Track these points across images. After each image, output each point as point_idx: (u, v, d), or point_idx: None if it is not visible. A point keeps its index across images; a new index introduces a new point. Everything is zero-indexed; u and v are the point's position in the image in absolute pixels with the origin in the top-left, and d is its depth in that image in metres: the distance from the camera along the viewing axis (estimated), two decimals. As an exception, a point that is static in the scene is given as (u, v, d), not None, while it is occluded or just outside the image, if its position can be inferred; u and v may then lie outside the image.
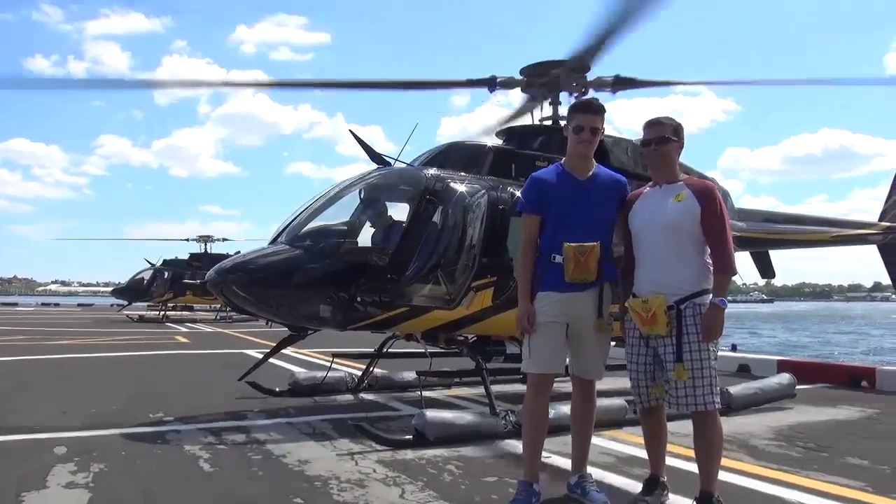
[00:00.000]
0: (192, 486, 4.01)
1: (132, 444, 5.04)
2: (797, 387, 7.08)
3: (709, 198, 3.44)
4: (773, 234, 9.93)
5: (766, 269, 11.24)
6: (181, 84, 13.42)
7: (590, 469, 3.85)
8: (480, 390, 6.49)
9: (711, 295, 3.39)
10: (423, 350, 6.78)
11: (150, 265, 28.67)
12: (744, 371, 9.81)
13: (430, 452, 4.79)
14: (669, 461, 3.91)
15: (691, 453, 3.64)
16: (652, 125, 3.58)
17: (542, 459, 3.86)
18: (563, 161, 3.81)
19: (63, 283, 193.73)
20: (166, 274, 27.90)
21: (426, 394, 7.35)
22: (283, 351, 8.13)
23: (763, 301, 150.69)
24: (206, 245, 30.15)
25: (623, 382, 5.15)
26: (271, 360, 7.84)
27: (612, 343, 3.87)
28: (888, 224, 11.78)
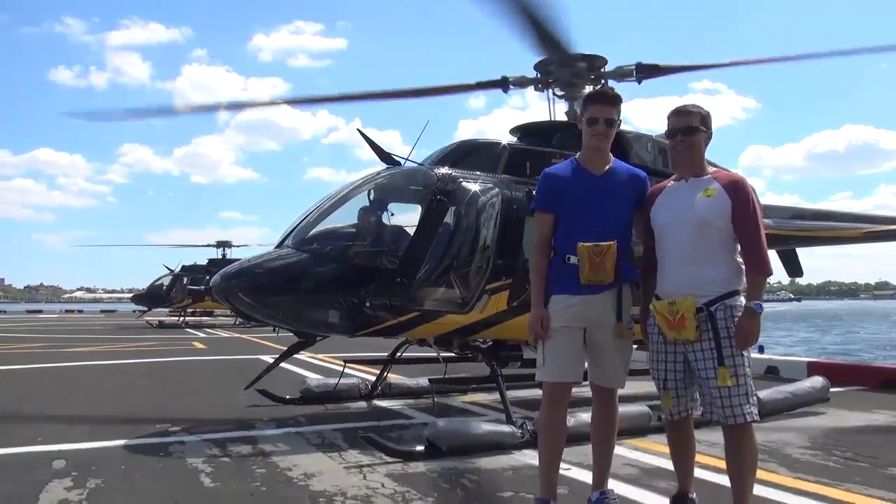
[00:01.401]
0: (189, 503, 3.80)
1: (134, 456, 4.86)
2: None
3: (741, 192, 3.16)
4: (801, 231, 9.54)
5: (793, 267, 10.82)
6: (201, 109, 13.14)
7: (612, 483, 3.58)
8: (497, 395, 6.24)
9: (743, 297, 3.12)
10: (437, 355, 6.54)
11: (169, 271, 28.76)
12: (772, 373, 9.46)
13: (442, 465, 4.55)
14: (697, 472, 3.63)
15: (721, 464, 3.38)
16: (678, 114, 3.30)
17: (561, 472, 3.60)
18: (577, 156, 3.56)
19: (88, 290, 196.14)
20: (185, 280, 27.98)
21: (441, 400, 7.12)
22: (298, 356, 7.97)
23: (791, 300, 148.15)
24: (224, 250, 30.14)
25: (645, 387, 4.89)
26: (285, 365, 7.66)
27: (634, 346, 3.60)
28: (922, 219, 11.31)
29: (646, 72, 7.03)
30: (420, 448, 4.80)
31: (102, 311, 55.46)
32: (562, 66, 6.87)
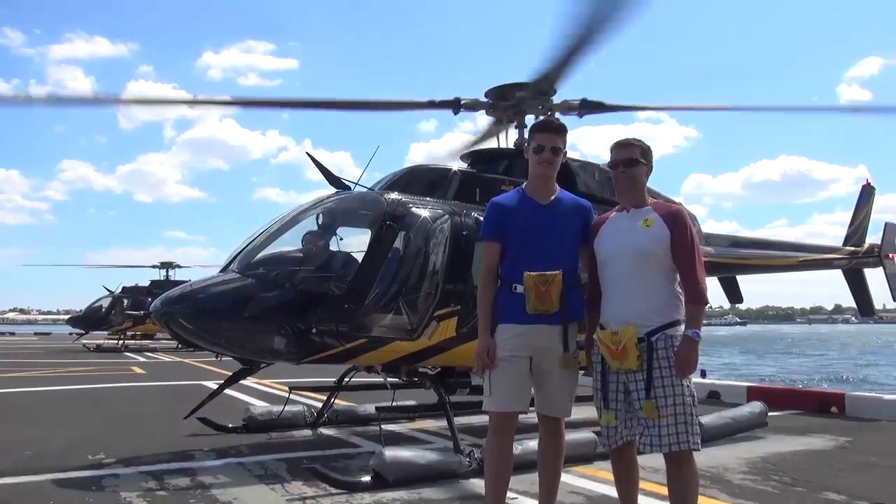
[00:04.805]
0: (123, 541, 3.64)
1: (63, 491, 4.63)
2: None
3: (679, 223, 3.25)
4: (740, 259, 9.86)
5: (733, 294, 11.18)
6: (148, 102, 12.85)
7: (558, 512, 3.59)
8: (445, 422, 6.20)
9: (683, 326, 3.19)
10: (385, 382, 6.46)
11: (108, 293, 27.78)
12: (714, 397, 9.69)
13: (388, 495, 4.48)
14: (641, 499, 3.66)
15: (664, 490, 3.40)
16: (620, 147, 3.40)
17: (508, 501, 3.60)
18: (524, 185, 3.60)
19: (22, 311, 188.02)
20: (126, 302, 27.07)
21: (388, 427, 7.02)
22: (242, 382, 7.75)
23: (737, 325, 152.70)
24: (167, 272, 29.32)
25: (591, 413, 4.92)
26: (228, 391, 7.45)
27: (581, 372, 3.63)
28: (852, 248, 11.86)
29: (589, 108, 7.19)
30: (366, 479, 4.71)
31: (36, 334, 53.06)
32: (512, 94, 6.96)
